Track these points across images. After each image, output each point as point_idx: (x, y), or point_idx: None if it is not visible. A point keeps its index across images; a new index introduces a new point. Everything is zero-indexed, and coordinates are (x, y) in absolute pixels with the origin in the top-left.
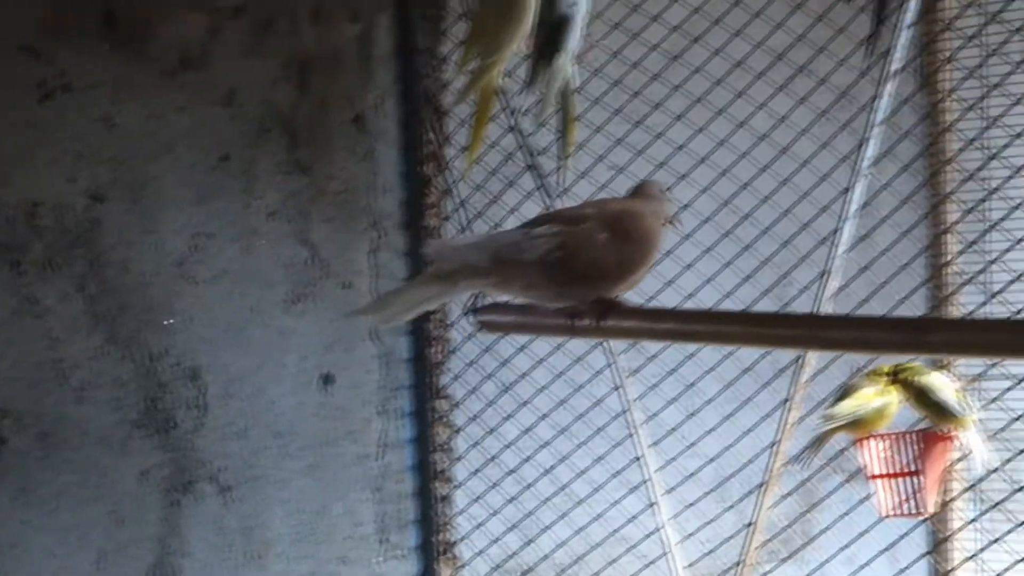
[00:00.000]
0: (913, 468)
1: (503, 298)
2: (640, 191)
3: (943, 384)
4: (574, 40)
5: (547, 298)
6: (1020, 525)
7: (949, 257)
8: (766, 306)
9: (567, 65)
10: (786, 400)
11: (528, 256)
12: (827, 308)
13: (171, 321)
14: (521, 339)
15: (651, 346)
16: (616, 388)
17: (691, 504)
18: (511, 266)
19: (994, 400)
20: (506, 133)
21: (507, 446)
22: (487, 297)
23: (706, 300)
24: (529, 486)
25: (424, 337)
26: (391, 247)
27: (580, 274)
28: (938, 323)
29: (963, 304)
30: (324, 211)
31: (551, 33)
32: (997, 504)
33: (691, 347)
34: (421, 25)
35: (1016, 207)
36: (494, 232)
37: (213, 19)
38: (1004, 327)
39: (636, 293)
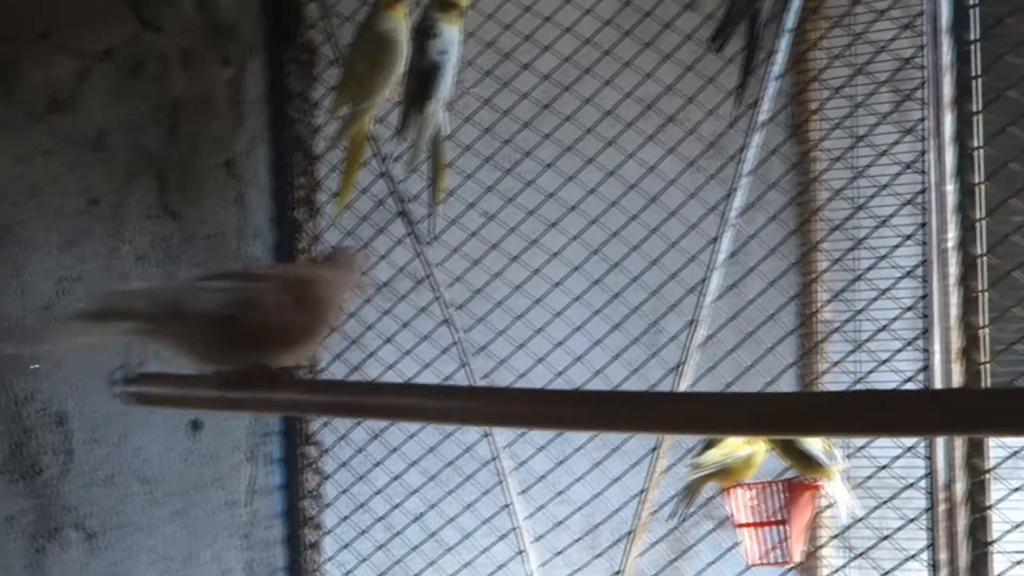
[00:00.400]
0: (780, 517)
1: (154, 368)
2: (333, 258)
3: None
4: (445, 87)
5: (204, 356)
6: (887, 574)
7: (817, 306)
8: (637, 355)
9: (438, 112)
10: (654, 449)
11: (194, 308)
12: (695, 357)
13: (37, 366)
14: None
15: None
16: (486, 435)
17: (560, 552)
18: (178, 317)
19: (859, 450)
20: (377, 179)
21: (377, 493)
22: (140, 366)
23: (576, 348)
24: (398, 533)
25: None
26: None
27: (244, 336)
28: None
29: (832, 352)
30: (194, 255)
31: (422, 80)
32: (863, 553)
33: None
34: (293, 70)
35: (882, 258)
36: (168, 281)
37: (82, 62)
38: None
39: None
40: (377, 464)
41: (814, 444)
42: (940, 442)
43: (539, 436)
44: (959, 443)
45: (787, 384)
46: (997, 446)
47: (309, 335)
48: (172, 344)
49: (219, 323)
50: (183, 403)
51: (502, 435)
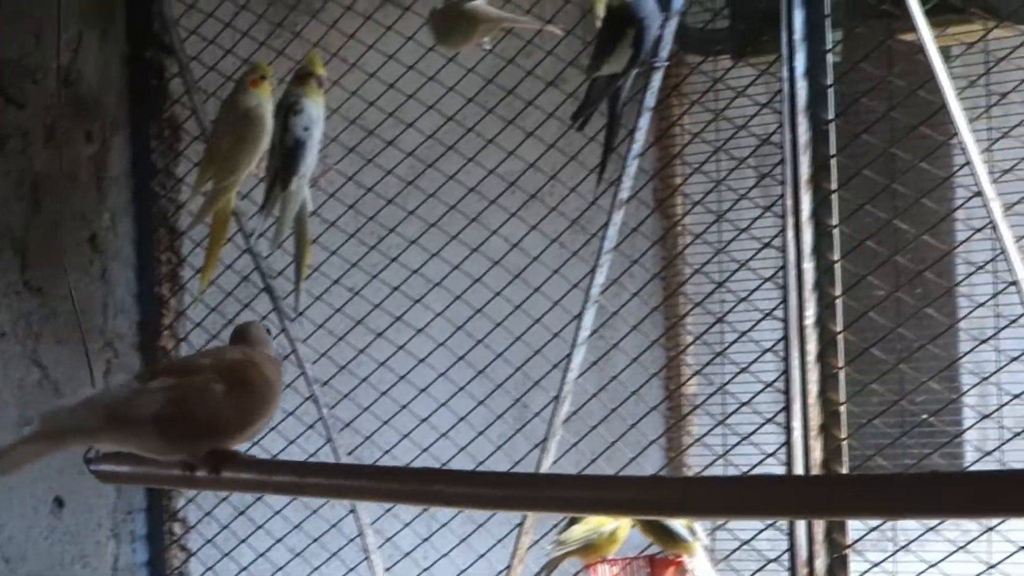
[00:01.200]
0: None
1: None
2: (246, 335)
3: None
4: (309, 163)
5: (161, 452)
6: None
7: (681, 382)
8: (503, 430)
9: (302, 188)
10: (520, 524)
11: (140, 413)
12: (559, 433)
13: None
14: None
15: None
16: (351, 511)
17: None
18: (123, 424)
19: (722, 526)
20: (241, 255)
21: (242, 570)
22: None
23: (443, 424)
24: None
25: None
26: (125, 368)
27: (195, 428)
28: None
29: (697, 428)
30: (56, 332)
31: (286, 156)
32: None
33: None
34: (157, 145)
35: (742, 334)
36: (106, 388)
37: None
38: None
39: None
40: (243, 541)
41: (677, 520)
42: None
43: (405, 512)
44: (820, 527)
45: (652, 459)
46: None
47: (260, 416)
48: (125, 446)
49: (166, 424)
50: (146, 480)
51: (367, 511)
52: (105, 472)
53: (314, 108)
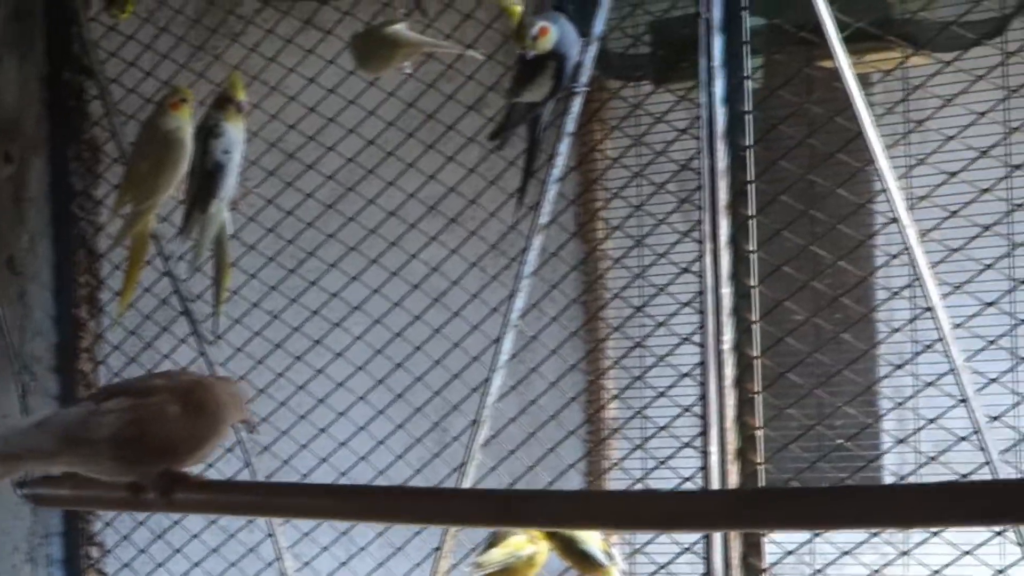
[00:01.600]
0: None
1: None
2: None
3: (589, 535)
4: (228, 186)
5: (115, 473)
6: None
7: (600, 406)
8: (422, 454)
9: (222, 211)
10: (437, 548)
11: (97, 434)
12: (478, 457)
13: None
14: None
15: None
16: (269, 535)
17: None
18: (79, 445)
19: (639, 550)
20: (160, 278)
21: None
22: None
23: (361, 448)
24: None
25: None
26: (43, 391)
27: (150, 450)
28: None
29: (616, 451)
30: None
31: (206, 179)
32: None
33: None
34: (76, 167)
35: (660, 359)
36: (60, 410)
37: None
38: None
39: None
40: (160, 565)
41: (594, 544)
42: (717, 541)
43: (323, 535)
44: (735, 542)
45: (571, 483)
46: (772, 543)
47: (211, 438)
48: (79, 468)
49: (121, 445)
50: (87, 503)
51: (285, 535)
52: (42, 496)
53: (234, 131)
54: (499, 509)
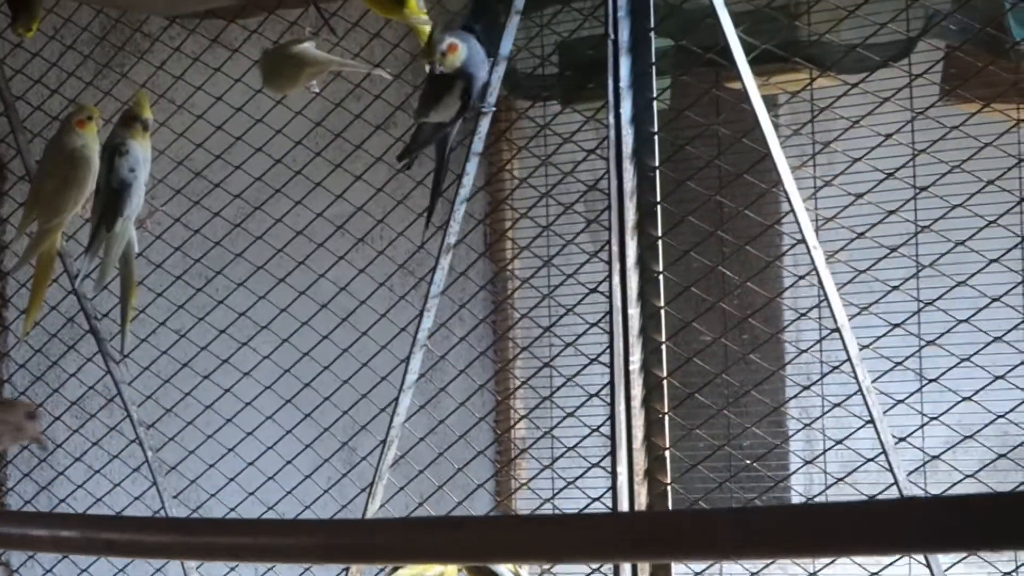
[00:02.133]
0: None
1: None
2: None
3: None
4: (135, 205)
5: None
6: None
7: (509, 426)
8: (331, 474)
9: (128, 229)
10: (346, 568)
11: None
12: (387, 477)
13: None
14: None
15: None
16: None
17: None
18: None
19: (546, 571)
20: (67, 296)
21: None
22: None
23: (270, 467)
24: None
25: None
26: None
27: None
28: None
29: (525, 471)
30: None
31: (111, 198)
32: None
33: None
34: None
35: (568, 379)
36: None
37: None
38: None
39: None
40: None
41: (504, 566)
42: (627, 568)
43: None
44: (645, 570)
45: (480, 503)
46: (683, 573)
47: None
48: None
49: None
50: None
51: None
52: None
53: (140, 149)
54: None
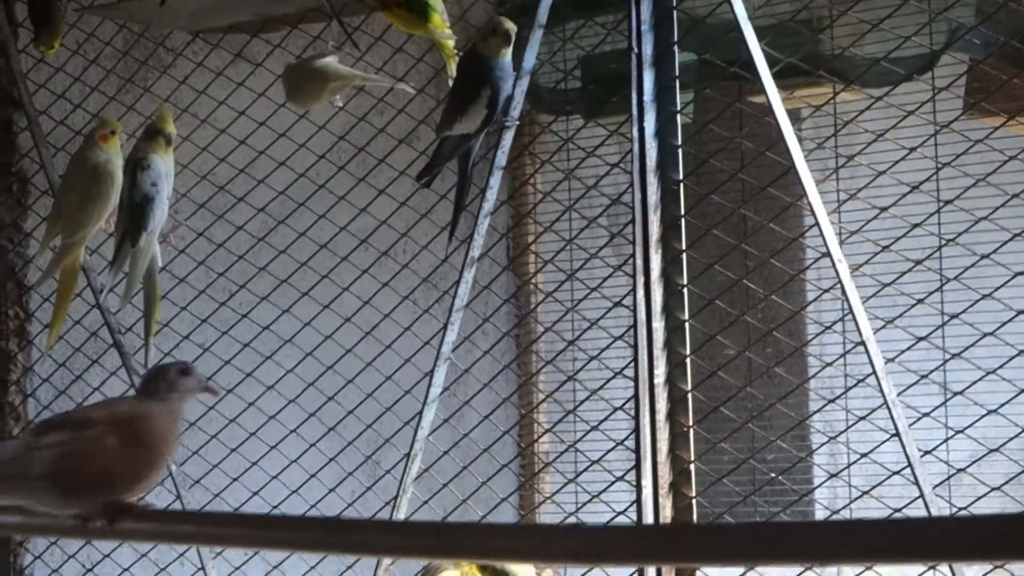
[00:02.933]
0: None
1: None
2: (157, 380)
3: (522, 567)
4: (158, 219)
5: (55, 506)
6: None
7: (534, 439)
8: (355, 487)
9: (152, 244)
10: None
11: (32, 470)
12: (411, 491)
13: None
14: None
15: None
16: (200, 569)
17: None
18: (15, 482)
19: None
20: (90, 310)
21: None
22: None
23: (294, 481)
24: None
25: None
26: None
27: (87, 483)
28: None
29: (550, 483)
30: None
31: (135, 212)
32: None
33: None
34: (5, 199)
35: (593, 392)
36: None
37: None
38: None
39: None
40: None
41: (527, 572)
42: (651, 574)
43: (255, 570)
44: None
45: (504, 516)
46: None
47: (150, 470)
48: (20, 500)
49: (58, 479)
50: (38, 531)
51: (216, 570)
52: None
53: (161, 164)
54: (432, 541)
